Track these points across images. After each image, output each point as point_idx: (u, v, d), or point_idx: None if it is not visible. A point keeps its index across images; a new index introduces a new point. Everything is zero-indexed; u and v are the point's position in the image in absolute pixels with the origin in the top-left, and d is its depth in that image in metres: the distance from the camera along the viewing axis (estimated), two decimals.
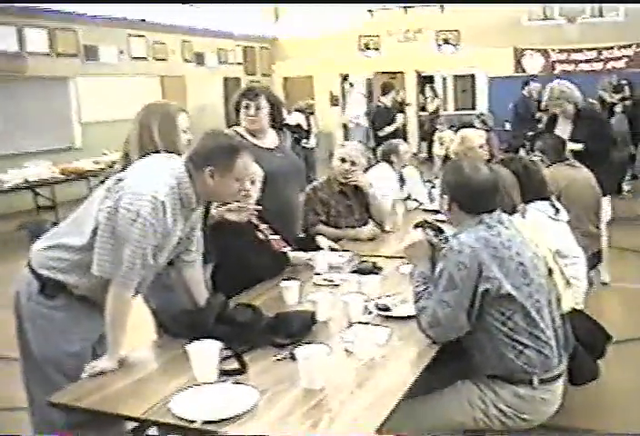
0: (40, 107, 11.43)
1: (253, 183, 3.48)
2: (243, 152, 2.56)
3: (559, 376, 2.61)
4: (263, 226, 3.52)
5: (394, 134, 8.86)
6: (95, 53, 12.40)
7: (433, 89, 16.95)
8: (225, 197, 2.73)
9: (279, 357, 2.49)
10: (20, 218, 9.34)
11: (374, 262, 3.68)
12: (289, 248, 3.63)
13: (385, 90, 9.18)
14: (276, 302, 3.15)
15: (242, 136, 3.88)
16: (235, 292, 3.26)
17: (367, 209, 4.64)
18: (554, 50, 16.14)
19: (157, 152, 2.78)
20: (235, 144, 2.58)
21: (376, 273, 3.57)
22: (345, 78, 18.12)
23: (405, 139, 9.53)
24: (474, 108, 19.80)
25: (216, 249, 3.25)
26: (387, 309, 2.95)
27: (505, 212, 2.73)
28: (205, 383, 2.27)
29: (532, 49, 16.25)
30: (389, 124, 8.95)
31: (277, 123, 4.08)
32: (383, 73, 17.54)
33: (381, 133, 8.95)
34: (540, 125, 11.12)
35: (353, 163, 4.49)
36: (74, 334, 2.60)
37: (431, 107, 15.62)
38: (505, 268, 2.50)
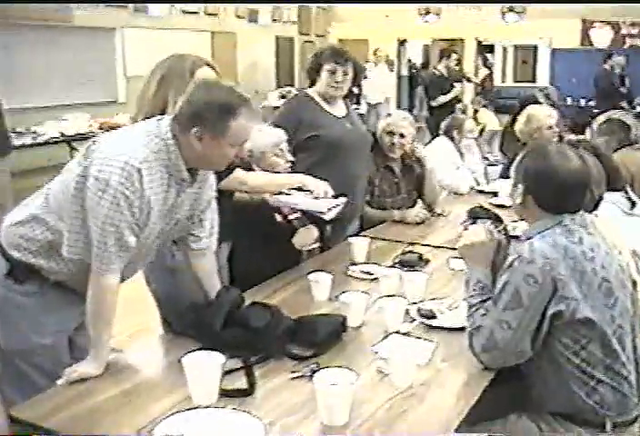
0: (84, 58, 11.02)
1: (279, 152, 3.07)
2: (241, 111, 2.06)
3: (637, 419, 2.12)
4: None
5: (450, 105, 8.28)
6: (144, 4, 11.92)
7: (485, 58, 15.98)
8: (217, 165, 2.22)
9: (297, 375, 2.05)
10: (56, 172, 9.02)
11: (419, 254, 3.21)
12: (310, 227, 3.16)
13: (443, 56, 8.55)
14: (303, 296, 2.71)
15: (313, 100, 3.58)
16: (255, 280, 2.84)
17: (417, 188, 4.15)
18: (624, 23, 15.22)
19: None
20: (231, 101, 2.05)
21: (422, 267, 3.11)
22: (402, 43, 17.42)
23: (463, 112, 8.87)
24: (534, 81, 19.06)
25: (232, 225, 2.80)
26: (433, 316, 2.49)
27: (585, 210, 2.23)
28: (200, 406, 1.85)
29: (602, 21, 15.34)
30: (444, 94, 8.33)
31: (350, 93, 3.72)
32: (441, 40, 16.83)
33: (434, 103, 8.37)
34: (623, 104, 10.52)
35: (401, 136, 4.01)
36: (46, 325, 2.21)
37: (477, 77, 14.49)
38: (585, 285, 2.01)
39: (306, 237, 3.11)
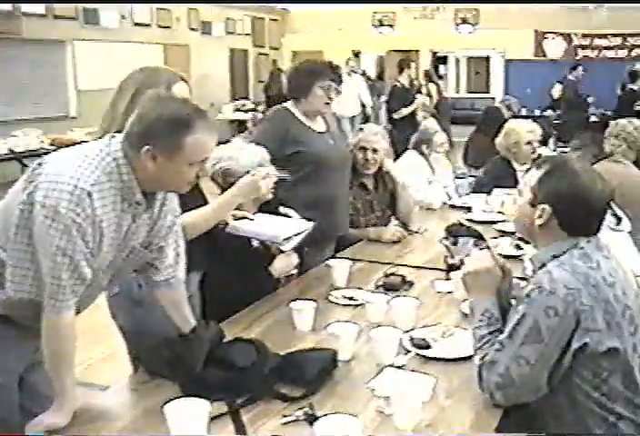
0: (34, 72, 10.69)
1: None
2: (197, 124, 1.85)
3: None
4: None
5: (411, 117, 8.18)
6: (95, 16, 11.63)
7: (436, 71, 15.77)
8: (176, 187, 1.98)
9: (290, 419, 1.86)
10: (7, 189, 8.68)
11: (402, 276, 3.04)
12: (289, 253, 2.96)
13: (402, 67, 8.44)
14: (284, 326, 2.52)
15: (294, 115, 3.40)
16: (230, 309, 2.64)
17: (390, 204, 4.00)
18: (576, 35, 15.39)
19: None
20: (185, 114, 1.85)
21: (406, 290, 2.95)
22: (356, 55, 17.35)
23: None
24: (487, 91, 19.20)
25: (203, 253, 2.61)
26: (427, 346, 2.32)
27: None
28: None
29: (554, 32, 15.49)
30: (406, 106, 8.22)
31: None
32: (396, 51, 16.82)
33: (396, 116, 8.25)
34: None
35: (374, 151, 3.85)
36: None
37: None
38: (609, 314, 1.85)
39: (286, 264, 2.93)
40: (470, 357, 2.12)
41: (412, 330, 2.43)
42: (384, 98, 14.81)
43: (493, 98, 18.49)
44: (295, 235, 2.83)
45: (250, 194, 2.68)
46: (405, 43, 16.30)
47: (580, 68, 11.33)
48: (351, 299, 2.79)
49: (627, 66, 12.54)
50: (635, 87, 11.10)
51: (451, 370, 2.18)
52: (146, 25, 12.89)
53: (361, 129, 4.04)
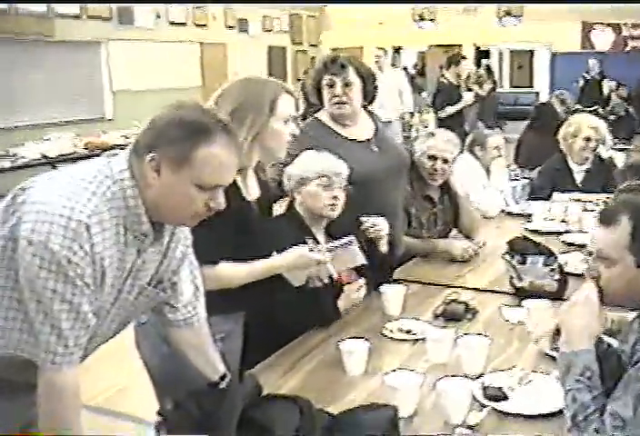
0: (68, 74, 10.47)
1: (325, 183, 2.57)
2: (216, 137, 1.54)
3: None
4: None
5: (458, 116, 7.74)
6: (129, 16, 11.38)
7: (488, 68, 15.20)
8: (181, 213, 1.62)
9: None
10: None
11: (465, 302, 2.65)
12: (358, 286, 2.62)
13: (451, 63, 8.00)
14: (332, 370, 2.16)
15: (324, 125, 2.96)
16: (265, 351, 2.30)
17: (454, 217, 3.61)
18: (626, 24, 14.77)
19: None
20: (204, 121, 1.55)
21: (470, 319, 2.57)
22: (397, 51, 16.93)
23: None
24: (531, 86, 18.62)
25: (248, 292, 2.26)
26: (504, 397, 1.94)
27: None
28: None
29: (602, 23, 14.88)
30: (452, 104, 7.78)
31: (369, 104, 3.07)
32: (437, 46, 16.38)
33: (442, 114, 7.80)
34: None
35: (445, 161, 3.42)
36: None
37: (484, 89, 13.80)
38: None
39: (354, 296, 2.61)
40: (559, 412, 1.75)
41: (482, 375, 2.06)
42: (425, 94, 14.42)
43: (537, 93, 17.99)
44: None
45: (297, 269, 2.35)
46: (446, 37, 15.82)
47: None
48: (408, 332, 2.43)
49: None
50: None
51: (537, 429, 1.80)
52: (182, 24, 12.61)
53: (432, 134, 3.56)
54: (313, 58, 15.72)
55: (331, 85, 2.91)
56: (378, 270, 2.77)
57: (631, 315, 2.37)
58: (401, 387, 1.85)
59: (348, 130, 2.99)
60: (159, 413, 2.03)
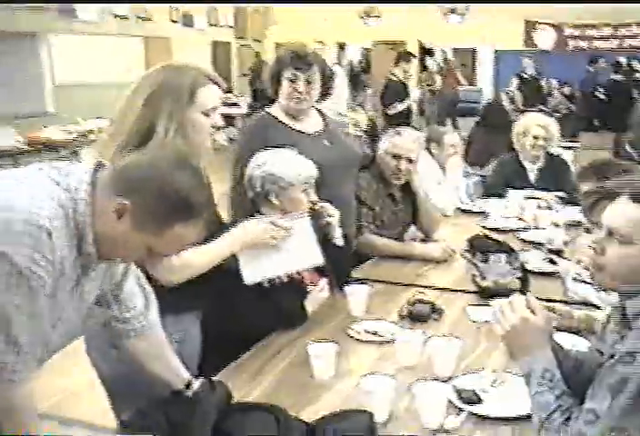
0: (8, 67, 10.16)
1: (307, 188, 2.56)
2: (192, 218, 1.48)
3: None
4: None
5: (406, 113, 7.74)
6: (71, 8, 11.08)
7: (422, 63, 15.21)
8: (122, 256, 1.59)
9: None
10: None
11: (431, 303, 2.62)
12: (322, 287, 2.56)
13: (399, 61, 7.98)
14: (300, 374, 2.10)
15: (276, 119, 2.91)
16: (228, 354, 2.22)
17: (412, 218, 3.57)
18: (567, 25, 15.01)
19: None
20: (188, 199, 1.46)
21: (436, 320, 2.54)
22: (341, 47, 16.91)
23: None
24: (474, 84, 18.82)
25: (202, 290, 2.18)
26: (477, 400, 1.91)
27: None
28: None
29: (545, 23, 15.10)
30: (401, 101, 7.76)
31: (323, 101, 3.02)
32: (383, 43, 16.41)
33: (390, 111, 7.78)
34: None
35: (409, 161, 3.36)
36: None
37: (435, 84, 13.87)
38: None
39: (319, 297, 2.54)
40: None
41: (453, 378, 2.02)
42: (370, 91, 14.43)
43: (480, 90, 18.20)
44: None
45: (254, 243, 2.30)
46: (391, 34, 15.85)
47: (602, 61, 11.00)
48: (375, 334, 2.37)
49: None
50: (617, 78, 10.77)
51: (516, 432, 1.77)
52: (125, 18, 12.35)
53: (398, 132, 3.46)
54: (257, 53, 15.61)
55: (293, 80, 2.86)
56: (336, 267, 2.71)
57: (596, 313, 2.37)
58: (377, 391, 1.79)
59: (300, 123, 2.96)
60: (121, 422, 1.96)
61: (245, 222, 2.31)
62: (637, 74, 11.08)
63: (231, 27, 15.62)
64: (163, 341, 1.84)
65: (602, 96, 11.04)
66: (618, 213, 1.62)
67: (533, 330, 1.67)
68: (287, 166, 2.49)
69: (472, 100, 17.65)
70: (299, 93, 2.86)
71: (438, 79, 12.53)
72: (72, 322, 1.58)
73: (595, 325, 2.29)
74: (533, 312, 1.68)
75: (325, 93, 2.98)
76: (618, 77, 10.92)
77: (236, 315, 2.32)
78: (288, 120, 2.95)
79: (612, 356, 1.52)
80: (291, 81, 2.86)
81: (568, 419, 1.54)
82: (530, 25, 15.16)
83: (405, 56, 7.97)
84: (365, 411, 1.72)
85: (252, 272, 2.35)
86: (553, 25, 15.04)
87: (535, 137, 4.55)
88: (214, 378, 1.84)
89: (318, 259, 2.50)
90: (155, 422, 1.66)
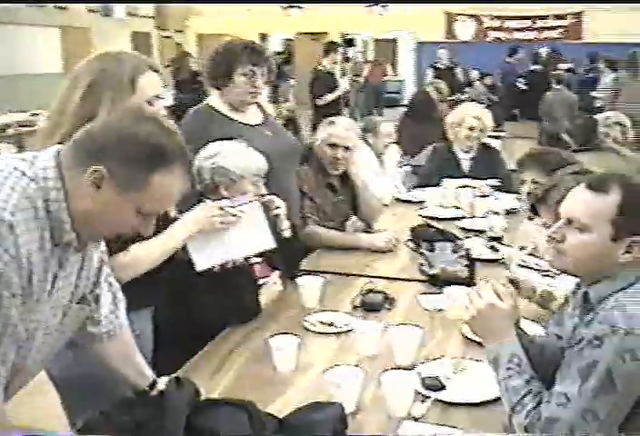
0: None
1: (257, 182, 2.50)
2: (174, 165, 1.42)
3: None
4: None
5: (336, 104, 7.75)
6: None
7: (344, 54, 15.19)
8: (107, 231, 1.50)
9: None
10: None
11: (383, 292, 2.63)
12: (275, 280, 2.54)
13: (328, 51, 7.97)
14: (262, 368, 2.07)
15: (218, 112, 2.89)
16: (183, 350, 2.18)
17: (353, 207, 3.57)
18: (487, 16, 15.32)
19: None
20: (167, 147, 1.41)
21: (389, 309, 2.54)
22: (263, 38, 16.83)
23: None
24: (395, 74, 19.03)
25: (153, 286, 2.13)
26: (441, 387, 1.92)
27: None
28: None
29: (464, 14, 15.38)
30: (330, 91, 7.76)
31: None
32: (305, 33, 16.42)
33: (320, 102, 7.77)
34: None
35: (346, 149, 3.37)
36: None
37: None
38: None
39: (273, 290, 2.52)
40: (499, 398, 1.76)
41: (415, 366, 2.03)
42: (292, 82, 14.41)
43: (402, 81, 18.42)
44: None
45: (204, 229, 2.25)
46: (314, 25, 15.86)
47: (521, 52, 11.26)
48: (331, 325, 2.37)
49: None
50: (537, 69, 11.06)
51: (480, 418, 1.79)
52: (41, 6, 11.97)
53: (332, 122, 3.46)
54: (179, 44, 15.38)
55: (248, 75, 2.85)
56: (286, 259, 2.70)
57: (557, 291, 2.40)
58: (344, 383, 1.79)
59: (241, 115, 2.95)
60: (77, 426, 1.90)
61: (191, 211, 2.26)
62: (556, 65, 11.38)
63: (152, 18, 15.35)
64: (131, 341, 1.80)
65: (523, 86, 11.31)
66: (577, 201, 1.65)
67: (500, 315, 1.69)
68: (238, 159, 2.46)
69: (394, 90, 17.91)
70: (256, 88, 2.86)
71: (365, 69, 12.63)
72: (50, 332, 1.52)
73: (553, 304, 2.34)
74: (500, 297, 1.70)
75: (270, 85, 2.99)
76: (537, 68, 11.20)
77: (190, 311, 2.28)
78: (229, 112, 2.93)
79: (580, 340, 1.55)
80: (248, 76, 2.85)
81: (539, 403, 1.57)
82: (451, 17, 15.41)
83: (334, 47, 7.97)
84: (335, 402, 1.71)
85: (203, 259, 2.30)
86: (473, 17, 15.32)
87: (471, 128, 4.61)
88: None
89: (270, 243, 2.46)
90: (120, 424, 1.61)
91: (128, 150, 1.37)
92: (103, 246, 1.70)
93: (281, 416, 1.66)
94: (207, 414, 1.59)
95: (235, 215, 2.32)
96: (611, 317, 1.50)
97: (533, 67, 11.29)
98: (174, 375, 1.78)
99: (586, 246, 1.60)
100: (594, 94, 9.02)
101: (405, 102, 17.17)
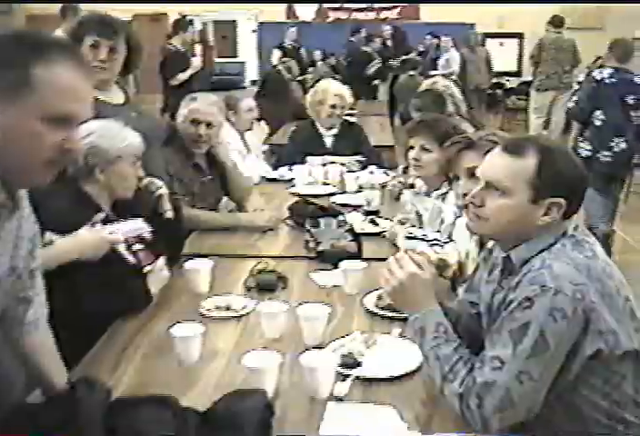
0: None
1: (135, 162, 2.36)
2: (51, 53, 1.28)
3: None
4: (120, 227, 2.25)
5: (189, 83, 7.47)
6: None
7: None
8: (29, 160, 1.29)
9: None
10: None
11: (275, 272, 2.53)
12: (161, 266, 2.38)
13: (178, 29, 7.65)
14: (162, 361, 1.94)
15: None
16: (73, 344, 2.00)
17: (222, 187, 3.45)
18: None
19: None
20: (34, 37, 1.30)
21: (283, 288, 2.46)
22: None
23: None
24: (235, 56, 18.85)
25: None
26: (357, 364, 1.86)
27: None
28: None
29: None
30: (183, 70, 7.46)
31: (128, 74, 2.88)
32: (143, 15, 15.85)
33: (174, 82, 7.44)
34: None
35: (209, 125, 3.24)
36: None
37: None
38: (616, 310, 1.54)
39: (161, 276, 2.36)
40: (418, 370, 1.74)
41: (325, 345, 1.97)
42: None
43: (243, 63, 18.24)
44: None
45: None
46: (152, 5, 15.34)
47: (364, 31, 11.37)
48: (229, 309, 2.25)
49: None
50: (368, 49, 11.27)
51: (404, 389, 1.75)
52: None
53: (194, 98, 3.33)
54: None
55: (95, 46, 2.66)
56: (170, 242, 2.56)
57: (450, 259, 2.41)
58: (263, 368, 1.69)
59: (104, 94, 2.75)
60: None
61: (79, 234, 2.10)
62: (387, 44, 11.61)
63: None
64: (50, 333, 1.68)
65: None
66: (495, 165, 1.63)
67: (421, 284, 1.66)
68: (114, 138, 2.30)
69: (233, 73, 17.71)
70: (100, 61, 2.66)
71: (198, 49, 12.34)
72: None
73: (448, 271, 2.35)
74: (420, 267, 1.66)
75: (131, 66, 2.82)
76: (368, 49, 11.36)
77: (78, 303, 2.10)
78: None
79: (510, 303, 1.53)
80: (93, 46, 2.66)
81: (471, 369, 1.55)
82: None
83: (183, 25, 7.68)
84: (257, 389, 1.61)
85: None
86: None
87: (333, 106, 4.60)
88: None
89: (145, 227, 2.35)
90: (23, 430, 1.44)
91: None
92: (33, 216, 1.54)
93: (199, 409, 1.54)
94: (126, 414, 1.44)
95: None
96: (540, 277, 1.50)
97: (364, 48, 11.37)
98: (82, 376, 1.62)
99: (507, 209, 1.59)
100: (439, 71, 9.29)
101: (247, 84, 17.18)
